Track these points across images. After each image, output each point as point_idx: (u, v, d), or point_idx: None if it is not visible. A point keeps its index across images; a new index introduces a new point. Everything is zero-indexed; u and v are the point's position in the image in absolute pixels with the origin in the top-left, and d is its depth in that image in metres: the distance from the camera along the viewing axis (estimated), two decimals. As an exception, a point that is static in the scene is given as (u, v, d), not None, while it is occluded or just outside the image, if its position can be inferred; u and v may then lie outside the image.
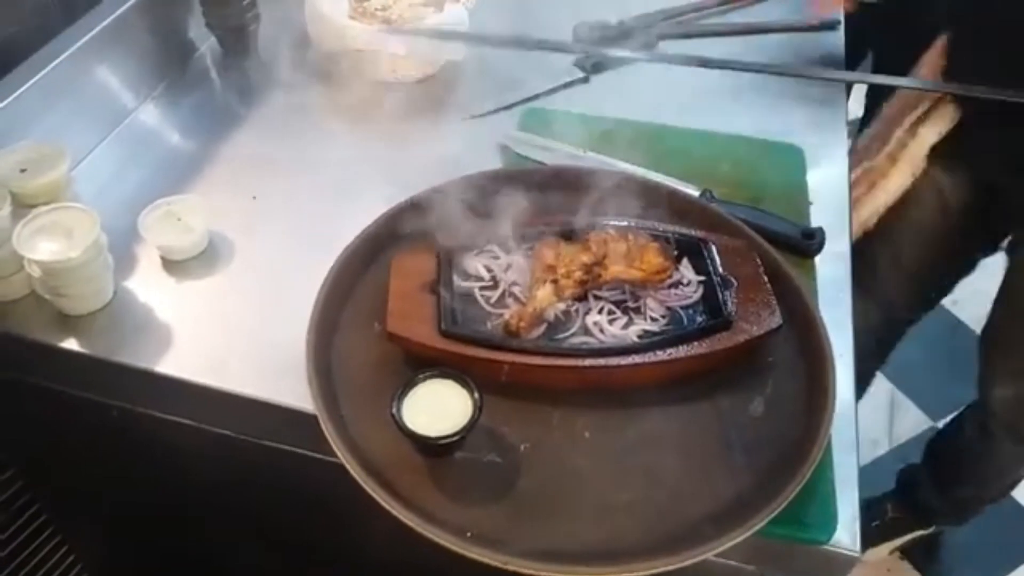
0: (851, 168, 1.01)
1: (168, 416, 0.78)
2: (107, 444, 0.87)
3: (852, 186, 1.02)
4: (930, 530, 1.61)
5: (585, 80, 1.08)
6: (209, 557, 1.01)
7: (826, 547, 0.64)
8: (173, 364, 0.74)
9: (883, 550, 1.63)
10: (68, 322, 0.77)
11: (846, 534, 0.65)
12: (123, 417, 0.80)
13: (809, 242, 0.84)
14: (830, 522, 0.65)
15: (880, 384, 1.89)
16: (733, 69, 1.02)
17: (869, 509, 1.57)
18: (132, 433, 0.82)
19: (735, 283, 0.76)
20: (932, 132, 1.05)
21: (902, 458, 1.76)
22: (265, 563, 0.98)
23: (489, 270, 0.78)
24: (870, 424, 1.83)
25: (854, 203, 1.08)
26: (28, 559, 1.02)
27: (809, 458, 0.65)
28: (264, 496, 0.84)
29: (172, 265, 0.83)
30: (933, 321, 1.86)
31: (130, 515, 0.99)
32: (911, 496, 1.57)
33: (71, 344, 0.75)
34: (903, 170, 1.09)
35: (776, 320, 0.73)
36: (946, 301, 2.00)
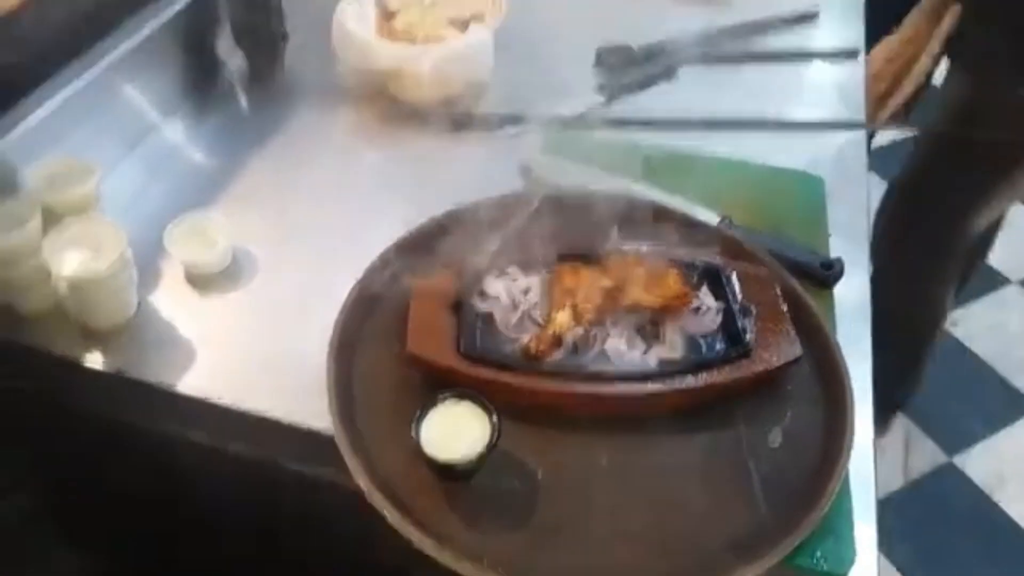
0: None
1: (188, 433, 0.78)
2: (128, 460, 0.87)
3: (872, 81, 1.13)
4: None
5: (607, 104, 1.09)
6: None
7: (841, 582, 0.64)
8: (194, 383, 0.75)
9: None
10: (91, 336, 0.77)
11: (863, 568, 0.64)
12: (144, 433, 0.80)
13: (828, 272, 0.84)
14: (847, 555, 0.64)
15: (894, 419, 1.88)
16: (754, 129, 1.04)
17: None
18: (153, 449, 0.82)
19: (754, 311, 0.76)
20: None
21: (917, 493, 1.75)
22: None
23: (508, 293, 0.78)
24: (885, 459, 1.81)
25: (878, 98, 1.22)
26: (42, 572, 1.03)
27: (827, 490, 0.65)
28: (279, 516, 0.85)
29: (196, 280, 0.83)
30: (948, 355, 1.85)
31: (146, 530, 0.99)
32: None
33: (94, 358, 0.76)
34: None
35: (796, 350, 0.73)
36: (960, 334, 2.01)
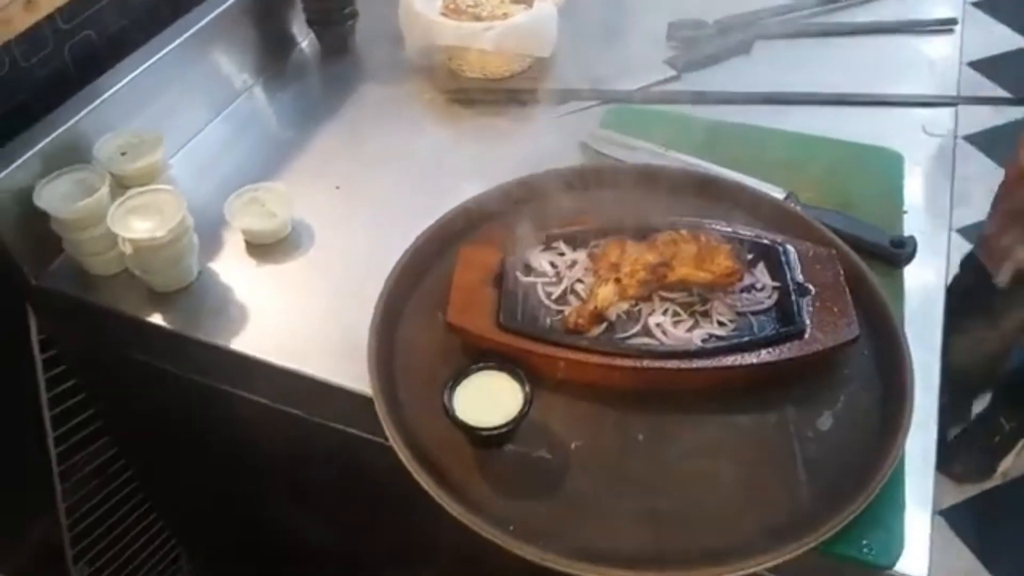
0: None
1: (242, 392, 0.81)
2: (189, 415, 0.91)
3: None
4: None
5: (676, 79, 1.06)
6: (278, 531, 1.05)
7: (889, 573, 0.60)
8: (248, 342, 0.77)
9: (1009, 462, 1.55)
10: (155, 298, 0.81)
11: (913, 560, 0.60)
12: (203, 390, 0.84)
13: (898, 251, 0.79)
14: (895, 546, 0.61)
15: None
16: (831, 104, 1.00)
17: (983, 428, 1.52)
18: (211, 406, 0.86)
19: (812, 290, 0.72)
20: None
21: (1007, 485, 1.64)
22: (324, 540, 1.00)
23: (554, 266, 0.77)
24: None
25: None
26: (120, 521, 1.09)
27: (877, 476, 0.61)
28: (329, 475, 0.87)
29: (255, 249, 0.86)
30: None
31: (209, 484, 1.04)
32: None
33: (156, 319, 0.80)
34: None
35: (853, 331, 0.69)
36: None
